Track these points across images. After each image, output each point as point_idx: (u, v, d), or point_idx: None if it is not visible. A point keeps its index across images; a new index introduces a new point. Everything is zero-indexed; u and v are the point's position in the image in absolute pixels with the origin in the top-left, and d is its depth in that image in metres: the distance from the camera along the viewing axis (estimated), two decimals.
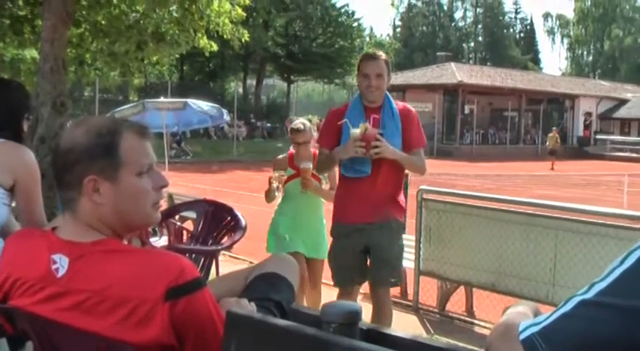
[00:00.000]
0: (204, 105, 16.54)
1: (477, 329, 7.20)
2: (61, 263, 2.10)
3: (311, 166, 6.74)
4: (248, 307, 2.23)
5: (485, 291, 7.22)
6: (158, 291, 2.00)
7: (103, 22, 12.75)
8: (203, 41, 13.50)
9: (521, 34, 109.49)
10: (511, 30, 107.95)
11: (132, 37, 12.73)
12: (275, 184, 6.79)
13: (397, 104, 5.80)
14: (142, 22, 12.89)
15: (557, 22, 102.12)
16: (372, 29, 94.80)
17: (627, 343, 1.43)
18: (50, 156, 7.57)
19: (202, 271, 6.13)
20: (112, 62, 14.24)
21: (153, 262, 2.08)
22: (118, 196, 2.17)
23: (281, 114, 55.22)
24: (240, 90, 59.99)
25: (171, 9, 12.70)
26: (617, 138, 55.43)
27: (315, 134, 7.01)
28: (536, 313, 1.74)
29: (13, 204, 3.90)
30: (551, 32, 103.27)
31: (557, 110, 59.17)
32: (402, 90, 49.89)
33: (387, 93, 5.75)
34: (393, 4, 16.04)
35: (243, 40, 13.79)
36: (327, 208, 6.66)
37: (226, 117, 17.70)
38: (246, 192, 20.17)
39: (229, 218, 6.58)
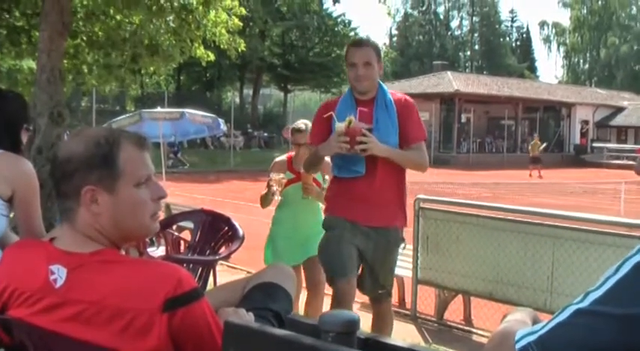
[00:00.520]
0: (201, 115, 16.56)
1: (474, 338, 7.20)
2: (59, 274, 2.10)
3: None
4: (246, 317, 2.23)
5: (483, 299, 7.22)
6: (156, 302, 2.00)
7: (99, 33, 12.78)
8: (200, 51, 13.55)
9: (518, 43, 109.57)
10: (507, 38, 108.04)
11: (127, 49, 12.76)
12: (274, 188, 6.57)
13: (394, 95, 5.34)
14: (137, 33, 12.91)
15: (554, 31, 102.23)
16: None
17: None
18: (48, 166, 7.58)
19: (200, 281, 6.12)
20: (106, 75, 14.27)
21: (151, 272, 2.08)
22: (116, 207, 2.17)
23: (278, 124, 55.21)
24: (237, 100, 60.04)
25: (168, 19, 12.74)
26: (613, 146, 55.44)
27: None
28: (535, 320, 1.75)
29: (11, 215, 3.90)
30: (547, 40, 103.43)
31: (553, 118, 59.25)
32: None
33: (381, 83, 5.35)
34: (389, 14, 16.22)
35: (239, 50, 13.84)
36: None
37: (223, 127, 17.72)
38: (243, 202, 20.16)
39: (227, 228, 6.58)
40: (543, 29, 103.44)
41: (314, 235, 6.43)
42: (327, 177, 6.47)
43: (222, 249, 6.62)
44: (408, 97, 5.43)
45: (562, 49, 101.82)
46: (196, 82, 61.57)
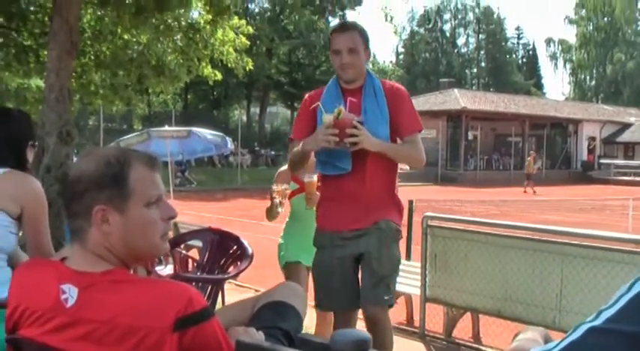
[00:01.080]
0: (208, 133, 16.58)
1: None
2: (70, 293, 2.10)
3: (315, 178, 5.83)
4: (256, 336, 2.24)
5: (492, 317, 7.20)
6: (167, 321, 2.00)
7: (106, 52, 12.83)
8: (207, 70, 13.59)
9: (524, 60, 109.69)
10: (514, 55, 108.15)
11: (132, 70, 12.81)
12: (278, 200, 6.21)
13: (384, 83, 4.89)
14: (144, 53, 12.96)
15: (560, 47, 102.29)
16: (374, 56, 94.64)
17: None
18: (56, 185, 7.61)
19: (209, 299, 6.11)
20: (112, 95, 14.32)
21: (161, 291, 2.09)
22: (127, 227, 2.18)
23: (285, 141, 55.25)
24: (244, 118, 60.15)
25: (175, 38, 12.79)
26: (620, 162, 55.39)
27: None
28: (547, 339, 1.74)
29: (20, 233, 3.92)
30: (553, 57, 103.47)
31: (560, 135, 59.20)
32: None
33: (370, 71, 4.91)
34: (395, 32, 16.24)
35: (247, 69, 13.88)
36: None
37: (230, 145, 17.73)
38: (250, 220, 20.16)
39: (235, 247, 6.56)
40: (549, 46, 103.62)
41: None
42: (299, 171, 6.01)
43: (231, 268, 6.60)
44: (399, 85, 4.99)
45: (568, 65, 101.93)
46: (203, 101, 61.71)
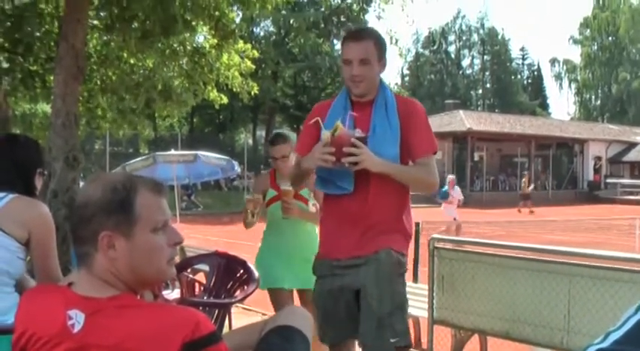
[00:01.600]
0: (214, 157, 16.62)
1: None
2: (77, 319, 2.11)
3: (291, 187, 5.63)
4: None
5: (500, 338, 7.18)
6: (174, 346, 2.01)
7: (113, 77, 12.88)
8: (213, 94, 13.64)
9: (529, 80, 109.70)
10: (519, 76, 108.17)
11: (140, 94, 12.87)
12: (250, 209, 6.05)
13: (398, 98, 4.43)
14: (151, 78, 13.02)
15: (565, 67, 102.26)
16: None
17: None
18: (63, 210, 7.63)
19: (216, 323, 6.10)
20: (120, 119, 14.37)
21: (168, 316, 2.09)
22: (133, 252, 2.18)
23: None
24: (250, 141, 60.24)
25: (181, 62, 12.84)
26: (627, 181, 55.27)
27: None
28: None
29: (28, 258, 3.93)
30: (558, 77, 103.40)
31: (566, 155, 59.17)
32: None
33: (384, 82, 4.44)
34: (401, 55, 16.26)
35: (252, 93, 13.92)
36: None
37: (237, 168, 17.79)
38: (257, 243, 20.12)
39: (242, 271, 6.56)
40: (554, 66, 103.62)
41: (305, 264, 5.63)
42: (311, 194, 6.02)
43: (238, 291, 6.60)
44: (415, 101, 4.55)
45: (573, 85, 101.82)
46: (209, 124, 61.81)
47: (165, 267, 2.27)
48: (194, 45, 12.93)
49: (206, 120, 60.84)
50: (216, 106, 14.98)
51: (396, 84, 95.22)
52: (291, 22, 56.66)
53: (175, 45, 12.33)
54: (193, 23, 11.52)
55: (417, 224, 9.60)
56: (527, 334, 6.57)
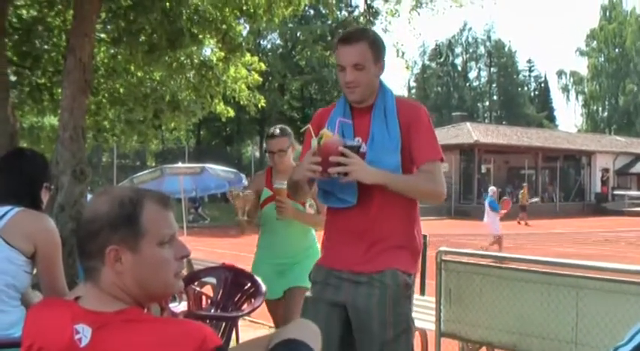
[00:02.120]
0: (221, 170, 16.63)
1: None
2: (83, 333, 2.10)
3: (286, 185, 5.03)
4: None
5: None
6: None
7: (120, 90, 12.93)
8: (220, 107, 13.68)
9: (536, 92, 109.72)
10: (525, 88, 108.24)
11: (148, 105, 12.91)
12: (239, 208, 5.75)
13: (399, 102, 4.06)
14: (159, 89, 13.07)
15: (572, 79, 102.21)
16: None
17: None
18: (70, 223, 7.63)
19: (223, 337, 6.09)
20: (128, 130, 14.40)
21: (175, 331, 2.09)
22: (140, 266, 2.19)
23: None
24: (257, 153, 60.26)
25: (188, 75, 12.87)
26: (634, 193, 55.17)
27: None
28: None
29: (34, 272, 3.93)
30: (565, 89, 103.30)
31: (573, 167, 59.05)
32: None
33: (384, 84, 4.10)
34: (407, 67, 16.22)
35: (259, 106, 13.95)
36: None
37: (244, 181, 17.78)
38: None
39: (249, 284, 6.55)
40: (561, 78, 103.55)
41: (299, 263, 5.89)
42: (300, 199, 5.49)
43: (245, 304, 6.59)
44: (417, 104, 4.16)
45: (580, 97, 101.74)
46: (216, 137, 61.84)
47: (173, 280, 2.26)
48: (201, 58, 12.96)
49: (213, 132, 60.88)
50: (223, 119, 15.00)
51: (403, 96, 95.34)
52: (298, 34, 56.92)
53: (182, 58, 12.37)
54: (200, 36, 11.57)
55: (425, 237, 9.58)
56: (534, 347, 6.55)
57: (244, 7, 11.14)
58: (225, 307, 6.65)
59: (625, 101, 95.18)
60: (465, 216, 43.38)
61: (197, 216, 36.77)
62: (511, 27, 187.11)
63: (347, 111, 4.06)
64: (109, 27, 11.79)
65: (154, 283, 2.24)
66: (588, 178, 57.96)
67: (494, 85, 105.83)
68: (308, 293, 4.13)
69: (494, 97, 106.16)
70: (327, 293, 3.97)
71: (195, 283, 7.54)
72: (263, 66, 14.06)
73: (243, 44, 12.66)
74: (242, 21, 12.27)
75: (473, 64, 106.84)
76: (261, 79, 13.97)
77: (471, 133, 51.05)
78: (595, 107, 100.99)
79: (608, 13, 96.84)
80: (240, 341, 7.34)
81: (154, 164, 44.81)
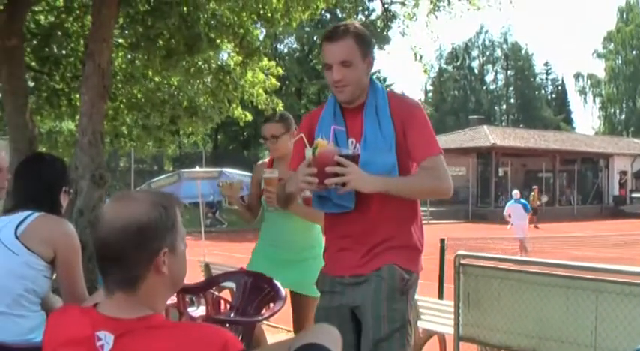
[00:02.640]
0: (238, 174, 16.66)
1: None
2: (106, 340, 2.12)
3: (277, 174, 5.31)
4: None
5: None
6: None
7: (138, 95, 12.97)
8: (237, 111, 13.70)
9: (553, 95, 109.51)
10: (542, 91, 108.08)
11: (165, 111, 12.95)
12: (226, 196, 5.68)
13: (391, 97, 3.89)
14: (176, 95, 13.11)
15: (589, 82, 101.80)
16: (403, 94, 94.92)
17: None
18: (89, 228, 7.64)
19: (242, 341, 6.10)
20: (145, 136, 14.45)
21: (197, 336, 2.11)
22: (177, 264, 2.26)
23: None
24: None
25: (205, 80, 12.90)
26: None
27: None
28: None
29: (54, 276, 3.95)
30: (582, 92, 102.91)
31: (591, 170, 58.84)
32: None
33: (375, 81, 3.92)
34: (425, 71, 16.22)
35: (277, 110, 13.98)
36: None
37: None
38: None
39: (269, 288, 6.55)
40: (578, 81, 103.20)
41: (303, 262, 5.85)
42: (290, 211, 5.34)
43: (264, 309, 6.58)
44: (409, 100, 4.01)
45: (598, 100, 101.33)
46: (234, 141, 61.89)
47: None
48: (219, 63, 12.99)
49: (230, 137, 60.93)
50: (241, 123, 15.02)
51: (420, 100, 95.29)
52: (315, 38, 56.87)
53: (200, 63, 12.40)
54: (218, 41, 11.58)
55: (442, 241, 9.57)
56: None
57: (261, 12, 11.16)
58: (245, 312, 6.66)
59: None
60: (483, 219, 43.32)
61: (215, 220, 36.81)
62: (528, 30, 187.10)
63: (337, 111, 3.93)
64: (126, 32, 11.82)
65: (182, 276, 2.32)
66: (606, 181, 57.75)
67: (511, 88, 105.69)
68: (318, 303, 4.06)
69: (511, 100, 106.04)
70: (335, 301, 3.89)
71: (214, 288, 7.55)
72: (280, 70, 14.07)
73: (261, 48, 12.67)
74: (259, 25, 12.30)
75: (490, 67, 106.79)
76: (278, 84, 13.98)
77: (488, 136, 50.95)
78: (612, 110, 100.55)
79: (624, 15, 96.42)
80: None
81: (171, 169, 44.93)
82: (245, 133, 59.21)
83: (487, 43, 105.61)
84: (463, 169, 46.70)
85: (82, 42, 11.72)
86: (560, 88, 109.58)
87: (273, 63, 13.81)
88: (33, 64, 11.93)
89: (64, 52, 12.33)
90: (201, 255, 12.45)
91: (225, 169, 16.56)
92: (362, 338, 3.76)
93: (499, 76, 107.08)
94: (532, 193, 42.10)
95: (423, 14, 13.33)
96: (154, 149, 17.29)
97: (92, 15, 9.06)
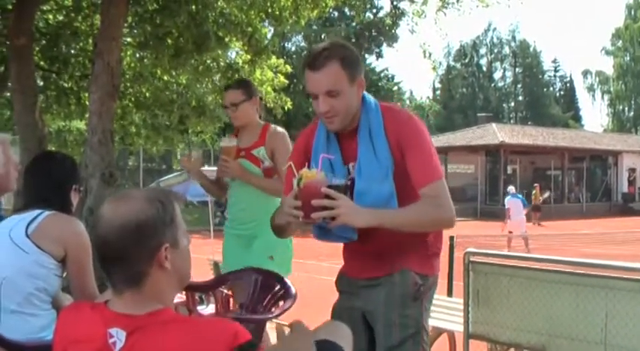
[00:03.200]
0: None
1: None
2: (118, 337, 2.13)
3: (235, 143, 5.12)
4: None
5: None
6: None
7: (147, 94, 13.00)
8: None
9: (561, 92, 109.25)
10: (551, 88, 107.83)
11: (174, 111, 12.98)
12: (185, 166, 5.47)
13: (385, 115, 3.51)
14: (184, 94, 13.14)
15: (597, 79, 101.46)
16: (411, 92, 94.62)
17: None
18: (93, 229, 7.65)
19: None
20: (154, 135, 14.48)
21: (207, 328, 2.13)
22: (180, 260, 2.27)
23: None
24: None
25: (214, 78, 12.92)
26: None
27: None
28: None
29: (64, 275, 3.96)
30: (591, 89, 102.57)
31: (600, 167, 58.63)
32: (443, 152, 49.76)
33: (367, 98, 3.54)
34: (434, 69, 16.20)
35: (285, 108, 13.99)
36: None
37: None
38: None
39: (279, 286, 6.54)
40: (587, 78, 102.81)
41: (259, 237, 5.62)
42: (269, 153, 5.30)
43: (274, 307, 6.58)
44: (407, 117, 3.55)
45: (606, 97, 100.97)
46: None
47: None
48: (227, 61, 13.02)
49: None
50: None
51: (428, 97, 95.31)
52: (323, 36, 56.81)
53: (209, 61, 12.43)
54: (226, 39, 11.61)
55: (452, 238, 9.56)
56: (563, 348, 6.52)
57: (270, 10, 11.17)
58: (255, 310, 6.67)
59: None
60: (492, 217, 43.16)
61: (223, 219, 36.74)
62: (536, 27, 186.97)
63: (331, 136, 3.60)
64: (135, 31, 11.85)
65: (188, 272, 2.33)
66: (615, 178, 57.54)
67: (519, 86, 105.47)
68: (335, 302, 3.88)
69: (520, 98, 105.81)
70: (350, 302, 3.76)
71: (223, 286, 7.56)
72: (289, 68, 14.08)
73: (269, 47, 12.69)
74: (267, 23, 12.31)
75: (498, 64, 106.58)
76: (286, 82, 14.01)
77: (497, 133, 50.81)
78: (621, 107, 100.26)
79: (633, 12, 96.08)
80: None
81: (179, 168, 44.92)
82: None
83: (495, 40, 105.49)
84: (472, 167, 46.69)
85: (90, 41, 11.75)
86: (568, 85, 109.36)
87: (281, 61, 13.85)
88: (42, 63, 11.96)
89: (72, 51, 12.37)
90: (210, 253, 12.46)
91: None
92: (376, 346, 3.59)
93: (507, 73, 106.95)
94: (534, 191, 42.00)
95: (431, 11, 13.30)
96: (162, 148, 17.33)
97: (101, 14, 9.08)
